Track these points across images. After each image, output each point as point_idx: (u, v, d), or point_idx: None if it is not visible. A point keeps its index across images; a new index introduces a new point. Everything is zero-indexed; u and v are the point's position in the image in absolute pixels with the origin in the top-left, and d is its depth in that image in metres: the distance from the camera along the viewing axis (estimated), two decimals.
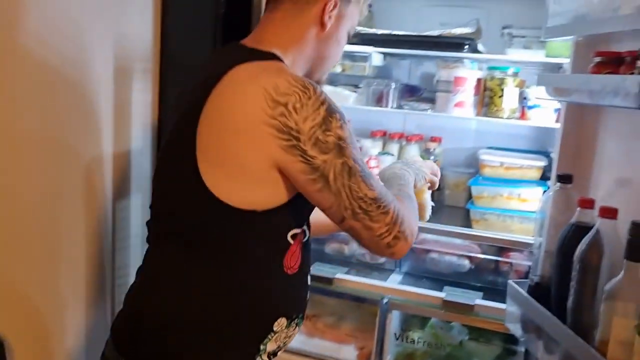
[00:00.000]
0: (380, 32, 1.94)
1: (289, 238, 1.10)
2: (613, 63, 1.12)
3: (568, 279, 1.16)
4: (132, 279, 1.71)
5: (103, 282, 1.69)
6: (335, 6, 1.10)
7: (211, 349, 1.08)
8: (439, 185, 1.45)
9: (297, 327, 1.18)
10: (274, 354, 1.16)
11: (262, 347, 1.11)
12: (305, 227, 1.15)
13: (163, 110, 1.82)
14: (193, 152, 1.02)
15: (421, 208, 1.33)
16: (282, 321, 1.12)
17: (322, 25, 1.11)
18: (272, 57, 1.07)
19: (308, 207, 1.11)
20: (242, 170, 1.00)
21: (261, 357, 1.13)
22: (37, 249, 1.41)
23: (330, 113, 0.98)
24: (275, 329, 1.12)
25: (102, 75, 1.58)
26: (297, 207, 1.07)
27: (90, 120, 1.55)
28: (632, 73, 1.03)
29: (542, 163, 1.85)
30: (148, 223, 1.19)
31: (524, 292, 1.34)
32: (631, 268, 1.01)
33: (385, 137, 2.22)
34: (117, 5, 1.60)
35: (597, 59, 1.16)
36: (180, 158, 1.05)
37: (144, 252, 1.19)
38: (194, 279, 1.07)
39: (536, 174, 1.86)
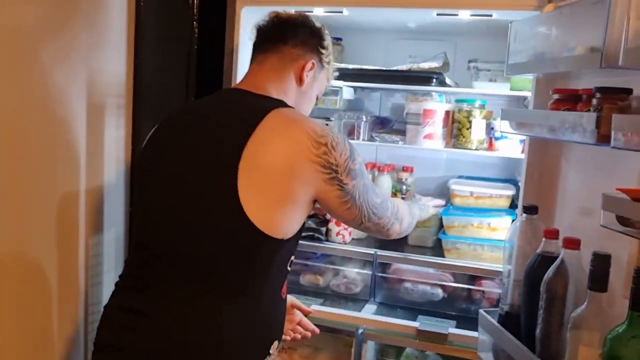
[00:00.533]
0: (350, 66, 1.98)
1: (288, 264, 1.24)
2: (571, 100, 1.17)
3: (536, 307, 1.19)
4: None
5: (76, 318, 1.67)
6: (312, 67, 1.29)
7: None
8: None
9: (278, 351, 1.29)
10: None
11: None
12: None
13: (136, 146, 1.83)
14: (234, 189, 1.08)
15: None
16: (275, 344, 1.23)
17: (301, 81, 1.29)
18: (286, 104, 1.23)
19: (300, 236, 1.25)
20: (286, 202, 1.12)
21: None
22: (8, 286, 1.40)
23: (351, 146, 1.19)
24: (271, 352, 1.22)
25: (75, 111, 1.58)
26: (299, 236, 1.21)
27: (63, 157, 1.55)
28: (589, 110, 1.08)
29: (510, 192, 1.89)
30: (146, 263, 1.18)
31: (494, 321, 1.37)
32: (595, 298, 1.03)
33: None
34: (90, 42, 1.61)
35: (556, 96, 1.21)
36: (218, 196, 1.10)
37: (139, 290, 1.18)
38: (222, 318, 1.12)
39: (505, 203, 1.90)
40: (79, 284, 1.67)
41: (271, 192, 1.10)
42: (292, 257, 1.25)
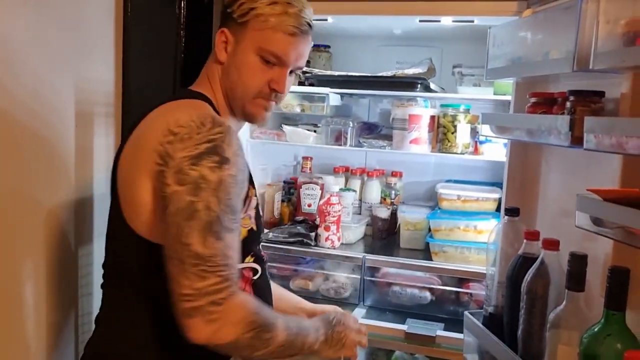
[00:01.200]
0: (336, 73, 2.01)
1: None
2: (547, 103, 1.19)
3: (518, 308, 1.20)
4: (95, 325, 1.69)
5: (67, 330, 1.68)
6: (224, 38, 1.12)
7: None
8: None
9: None
10: None
11: None
12: (255, 265, 1.16)
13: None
14: (116, 192, 1.08)
15: None
16: None
17: (217, 59, 1.13)
18: (200, 96, 1.12)
19: (254, 246, 1.16)
20: (136, 199, 1.03)
21: None
22: None
23: (211, 153, 0.94)
24: None
25: (64, 120, 1.59)
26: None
27: (52, 166, 1.56)
28: (563, 113, 1.10)
29: (497, 195, 1.91)
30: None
31: (478, 322, 1.38)
32: (572, 297, 1.05)
33: (348, 172, 2.28)
34: (78, 51, 1.62)
35: (533, 99, 1.23)
36: (112, 194, 1.11)
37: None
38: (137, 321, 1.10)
39: (492, 206, 1.92)
40: (69, 294, 1.68)
41: (122, 187, 1.06)
42: None
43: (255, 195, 1.17)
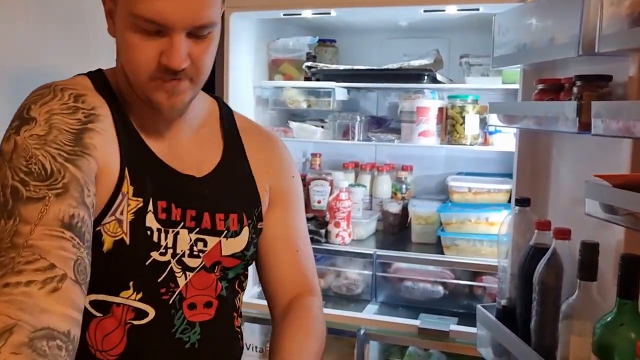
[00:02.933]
0: (342, 67, 1.99)
1: (88, 306, 0.82)
2: (554, 90, 1.17)
3: (531, 300, 1.18)
4: None
5: None
6: (109, 11, 0.86)
7: None
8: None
9: None
10: None
11: None
12: (143, 305, 0.85)
13: None
14: None
15: None
16: None
17: (110, 31, 0.87)
18: (93, 73, 0.92)
19: (132, 271, 0.85)
20: None
21: None
22: None
23: (13, 120, 0.78)
24: None
25: None
26: (93, 257, 0.77)
27: None
28: (570, 99, 1.07)
29: (508, 186, 1.88)
30: None
31: (491, 315, 1.36)
32: (585, 287, 1.02)
33: (357, 168, 2.26)
34: (81, 49, 1.61)
35: (540, 86, 1.20)
36: None
37: None
38: None
39: (504, 197, 1.89)
40: None
41: None
42: (99, 297, 0.83)
43: (136, 198, 0.85)
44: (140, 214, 0.85)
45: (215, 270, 0.92)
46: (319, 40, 2.20)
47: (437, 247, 1.91)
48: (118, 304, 0.83)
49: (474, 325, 1.63)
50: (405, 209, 2.10)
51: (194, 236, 0.90)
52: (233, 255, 0.93)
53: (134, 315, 0.84)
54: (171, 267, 0.87)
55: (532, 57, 1.22)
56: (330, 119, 2.05)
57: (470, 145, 1.88)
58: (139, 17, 0.78)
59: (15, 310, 0.63)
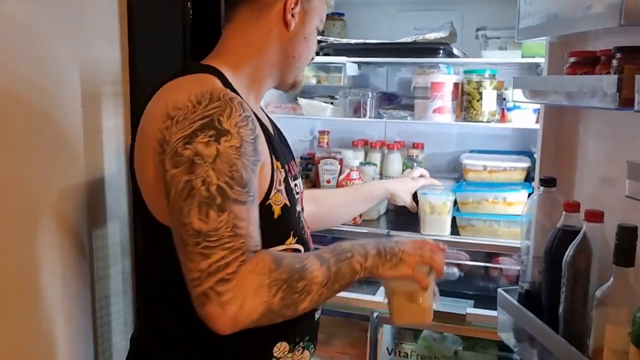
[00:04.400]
0: (353, 41, 1.91)
1: None
2: (588, 63, 1.09)
3: (558, 285, 1.12)
4: (114, 309, 1.67)
5: (83, 314, 1.64)
6: (296, 3, 1.06)
7: None
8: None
9: (307, 351, 1.12)
10: None
11: None
12: (297, 247, 1.08)
13: (135, 134, 1.78)
14: (135, 178, 1.01)
15: (413, 306, 1.02)
16: (282, 346, 1.06)
17: (287, 25, 1.07)
18: (209, 70, 1.03)
19: (292, 224, 1.07)
20: (147, 186, 0.98)
21: None
22: (11, 283, 1.36)
23: (205, 128, 0.88)
24: (276, 354, 1.06)
25: (71, 101, 1.54)
26: (267, 225, 0.96)
27: (61, 148, 1.51)
28: (608, 72, 1.00)
29: (525, 164, 1.82)
30: None
31: (514, 300, 1.31)
32: (621, 273, 0.97)
33: (367, 146, 2.19)
34: (82, 30, 1.56)
35: (572, 59, 1.13)
36: (135, 188, 1.03)
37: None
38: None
39: (520, 176, 1.83)
40: (85, 277, 1.64)
41: (138, 174, 1.00)
42: (281, 247, 1.04)
43: (284, 169, 1.07)
44: (286, 180, 1.07)
45: (302, 208, 1.18)
46: (327, 14, 2.12)
47: (452, 228, 1.85)
48: (285, 250, 1.04)
49: (491, 308, 1.59)
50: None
51: (298, 184, 1.16)
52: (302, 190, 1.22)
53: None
54: (301, 213, 1.14)
55: (564, 27, 1.15)
56: (341, 95, 1.97)
57: (488, 122, 1.81)
58: (323, 21, 1.16)
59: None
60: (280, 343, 1.06)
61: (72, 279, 1.57)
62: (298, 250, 1.08)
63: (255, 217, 0.91)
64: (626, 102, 0.92)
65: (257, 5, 1.07)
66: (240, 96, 1.00)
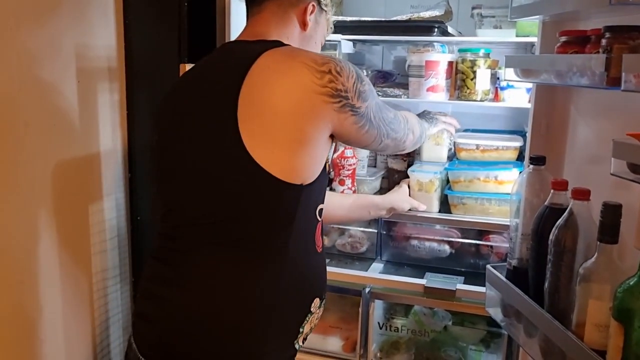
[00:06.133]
0: (348, 19, 1.91)
1: (317, 214, 1.16)
2: (578, 42, 1.10)
3: (544, 261, 1.15)
4: (111, 282, 1.69)
5: (81, 288, 1.66)
6: (313, 10, 1.22)
7: (262, 338, 1.09)
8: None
9: (323, 307, 1.23)
10: (305, 338, 1.19)
11: (300, 329, 1.15)
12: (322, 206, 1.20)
13: (132, 110, 1.78)
14: (237, 137, 1.01)
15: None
16: (316, 302, 1.18)
17: (304, 25, 1.22)
18: (282, 44, 1.15)
19: (325, 182, 1.20)
20: (299, 143, 1.04)
21: (298, 342, 1.16)
22: (9, 260, 1.38)
23: (356, 68, 1.11)
24: (312, 309, 1.17)
25: (68, 86, 1.54)
26: (323, 182, 1.15)
27: (56, 123, 1.52)
28: (597, 52, 1.01)
29: (518, 143, 1.83)
30: (170, 231, 1.14)
31: (502, 276, 1.33)
32: (605, 250, 0.99)
33: None
34: (77, 15, 1.55)
35: (563, 39, 1.14)
36: (224, 148, 1.04)
37: (159, 258, 1.14)
38: (248, 279, 1.07)
39: (513, 155, 1.84)
40: (81, 253, 1.66)
41: (280, 134, 1.02)
42: (321, 206, 1.17)
43: None
44: None
45: None
46: None
47: (444, 205, 1.87)
48: (322, 209, 1.19)
49: (481, 285, 1.61)
50: (410, 166, 2.05)
51: None
52: None
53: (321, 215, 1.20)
54: None
55: (556, 6, 1.15)
56: None
57: (481, 101, 1.81)
58: (324, 37, 1.33)
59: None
60: (316, 299, 1.17)
61: (68, 254, 1.59)
62: (322, 211, 1.21)
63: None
64: (614, 82, 0.94)
65: (284, 3, 1.20)
66: None
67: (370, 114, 1.14)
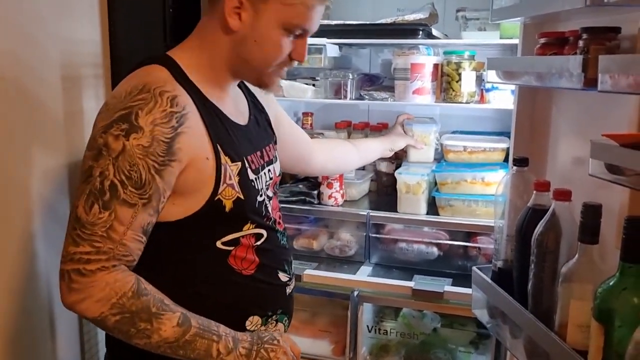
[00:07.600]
0: (333, 22, 1.91)
1: (219, 245, 1.08)
2: (557, 44, 1.11)
3: (528, 263, 1.15)
4: None
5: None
6: (240, 4, 1.01)
7: None
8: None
9: (280, 324, 1.20)
10: None
11: None
12: (256, 231, 1.14)
13: None
14: None
15: None
16: (254, 319, 1.13)
17: (227, 28, 1.03)
18: (163, 60, 1.06)
19: (249, 214, 1.12)
20: None
21: None
22: None
23: (120, 121, 0.93)
24: (248, 327, 1.13)
25: (51, 83, 1.53)
26: (218, 218, 1.06)
27: (41, 130, 1.51)
28: (575, 53, 1.02)
29: (505, 145, 1.84)
30: None
31: (487, 277, 1.33)
32: (586, 250, 1.00)
33: (350, 127, 2.20)
34: (60, 11, 1.55)
35: (542, 40, 1.14)
36: None
37: None
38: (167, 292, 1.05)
39: (500, 156, 1.85)
40: None
41: None
42: (228, 237, 1.10)
43: (237, 162, 1.10)
44: (243, 173, 1.10)
45: (275, 192, 1.25)
46: None
47: (432, 208, 1.87)
48: (243, 236, 1.11)
49: (469, 287, 1.61)
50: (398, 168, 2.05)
51: (266, 171, 1.19)
52: (279, 173, 1.28)
53: (255, 238, 1.13)
54: (264, 201, 1.16)
55: (535, 8, 1.16)
56: (322, 76, 1.98)
57: (467, 103, 1.82)
58: (297, 25, 1.03)
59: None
60: (252, 317, 1.13)
61: (54, 261, 1.58)
62: (260, 235, 1.15)
63: (141, 222, 0.97)
64: (591, 82, 0.94)
65: (212, 2, 1.07)
66: (195, 86, 1.05)
67: (80, 170, 0.98)
